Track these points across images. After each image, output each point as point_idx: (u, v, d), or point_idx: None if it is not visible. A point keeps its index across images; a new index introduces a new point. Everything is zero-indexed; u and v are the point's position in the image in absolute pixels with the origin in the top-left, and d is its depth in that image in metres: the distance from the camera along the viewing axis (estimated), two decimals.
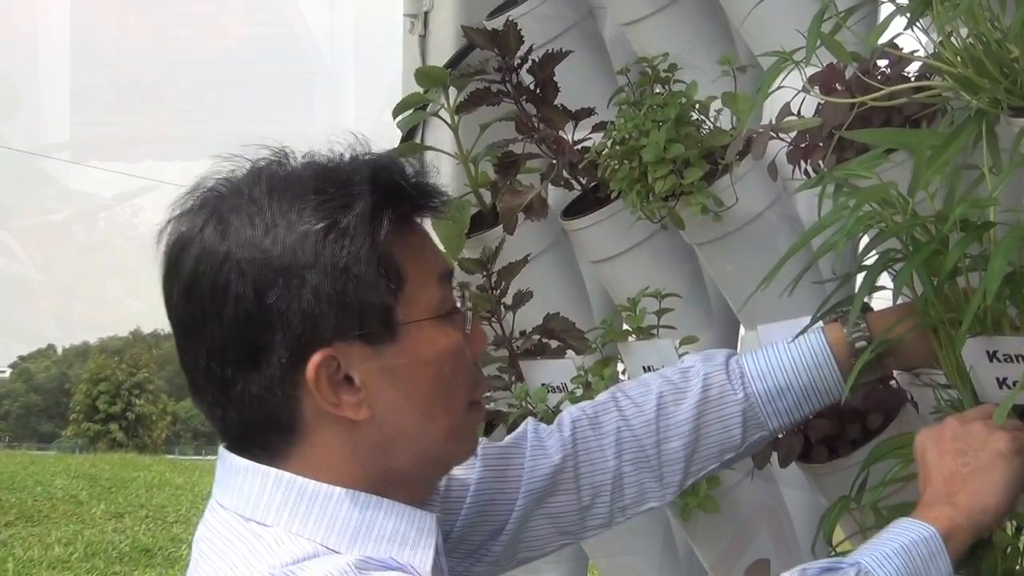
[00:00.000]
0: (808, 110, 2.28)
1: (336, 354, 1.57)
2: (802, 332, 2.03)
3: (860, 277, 1.99)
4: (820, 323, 2.05)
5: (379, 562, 1.53)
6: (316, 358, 1.56)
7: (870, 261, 1.94)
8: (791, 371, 2.00)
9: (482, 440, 1.86)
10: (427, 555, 1.61)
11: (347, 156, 1.65)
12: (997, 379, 1.86)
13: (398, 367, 1.61)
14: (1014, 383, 1.84)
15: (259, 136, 1.67)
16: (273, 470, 1.60)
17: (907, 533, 1.71)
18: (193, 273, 1.58)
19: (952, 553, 1.72)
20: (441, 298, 1.66)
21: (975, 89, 1.85)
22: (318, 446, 1.61)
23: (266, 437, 1.61)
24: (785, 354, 2.01)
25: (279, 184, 1.60)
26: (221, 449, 1.67)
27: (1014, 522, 1.90)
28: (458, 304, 1.70)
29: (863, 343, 1.98)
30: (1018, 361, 1.83)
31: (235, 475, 1.63)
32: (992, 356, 1.85)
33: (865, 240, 2.01)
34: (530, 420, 2.03)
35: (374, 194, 1.59)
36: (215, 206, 1.61)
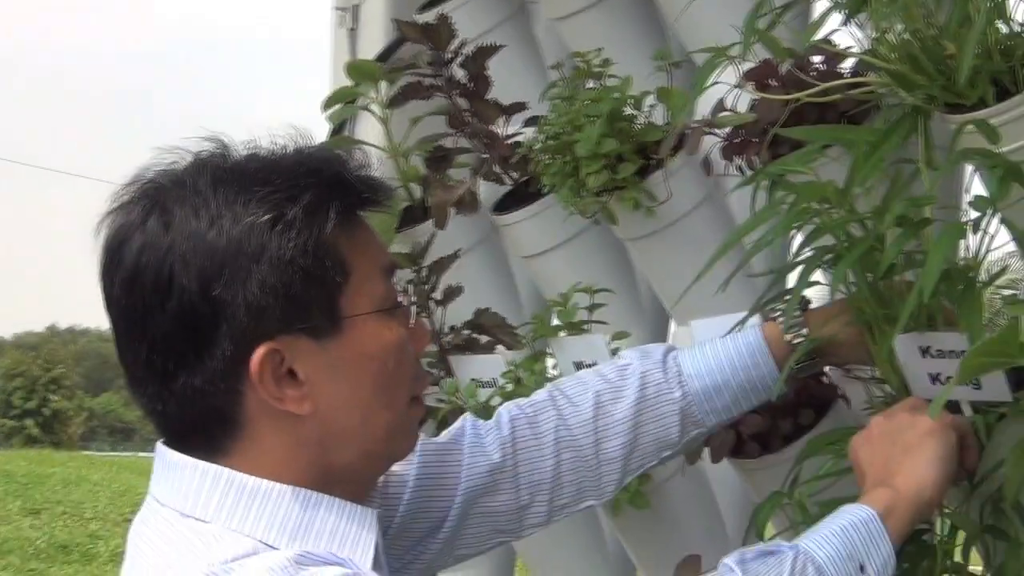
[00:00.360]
0: (743, 106, 2.29)
1: (280, 347, 1.55)
2: (735, 327, 2.04)
3: (794, 273, 1.99)
4: (757, 321, 2.06)
5: (319, 557, 1.51)
6: (260, 351, 1.54)
7: (804, 258, 1.95)
8: (729, 369, 2.00)
9: (420, 436, 1.85)
10: (368, 552, 1.59)
11: (290, 148, 1.63)
12: (930, 375, 1.88)
13: (342, 361, 1.59)
14: (947, 379, 1.85)
15: (201, 129, 1.65)
16: (212, 466, 1.58)
17: (846, 515, 1.72)
18: (135, 265, 1.55)
19: (893, 532, 1.72)
20: (385, 292, 1.65)
21: (910, 86, 1.86)
22: (259, 441, 1.59)
23: (207, 432, 1.59)
24: (723, 352, 2.01)
25: (224, 175, 1.58)
26: (159, 445, 1.64)
27: (948, 521, 1.91)
28: (400, 299, 1.70)
29: (801, 340, 1.99)
30: (951, 356, 1.84)
31: (173, 471, 1.60)
32: (925, 352, 1.86)
33: (800, 237, 2.02)
34: (468, 417, 2.01)
35: (320, 186, 1.58)
36: (157, 197, 1.58)
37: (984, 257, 1.82)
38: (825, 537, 1.68)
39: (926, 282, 1.71)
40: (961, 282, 1.81)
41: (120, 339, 1.61)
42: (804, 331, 2.00)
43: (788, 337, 2.00)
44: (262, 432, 1.58)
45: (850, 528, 1.69)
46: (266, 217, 1.54)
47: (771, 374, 2.00)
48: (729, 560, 1.65)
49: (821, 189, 1.90)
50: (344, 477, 1.63)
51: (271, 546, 1.54)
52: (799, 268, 1.96)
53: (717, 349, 2.02)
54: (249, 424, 1.58)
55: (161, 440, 1.64)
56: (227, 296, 1.52)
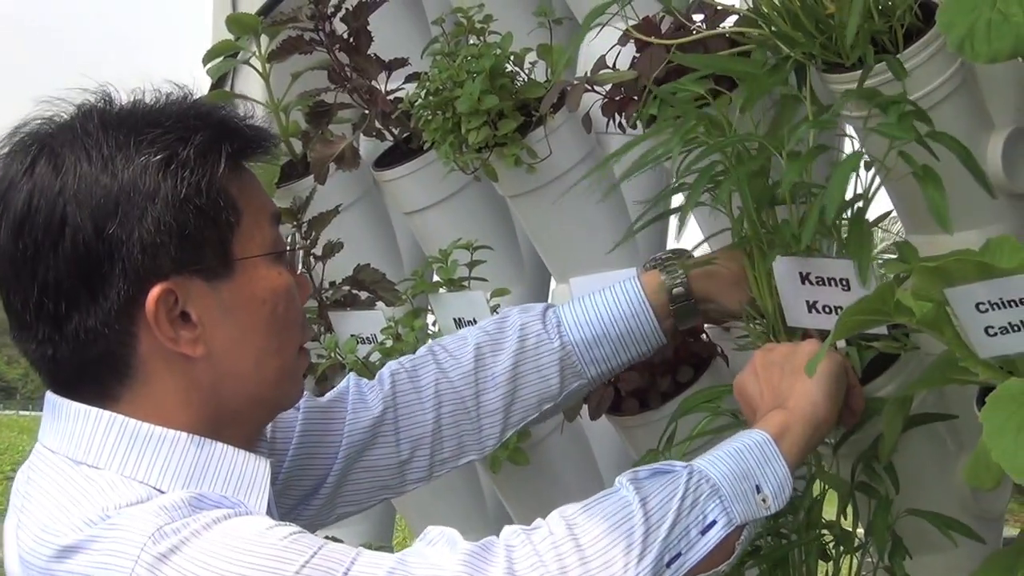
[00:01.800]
0: (623, 63, 2.29)
1: (175, 288, 1.55)
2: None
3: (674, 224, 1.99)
4: (634, 272, 2.06)
5: (213, 501, 1.51)
6: (155, 291, 1.54)
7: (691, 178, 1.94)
8: (607, 319, 2.01)
9: (304, 394, 1.84)
10: (262, 498, 1.60)
11: (174, 97, 1.64)
12: (807, 302, 1.88)
13: (234, 303, 1.60)
14: (824, 307, 1.86)
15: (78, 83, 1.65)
16: (105, 412, 1.57)
17: (739, 439, 1.71)
18: (26, 208, 1.54)
19: (788, 454, 1.71)
20: (274, 237, 1.67)
21: (791, 43, 1.87)
22: (151, 385, 1.59)
23: (99, 376, 1.58)
24: (602, 303, 2.02)
25: (112, 119, 1.59)
26: (48, 394, 1.63)
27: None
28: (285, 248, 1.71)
29: (680, 289, 2.01)
30: (829, 284, 1.85)
31: (64, 419, 1.59)
32: (804, 278, 1.86)
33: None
34: (351, 376, 2.03)
35: (210, 129, 1.59)
36: (44, 143, 1.58)
37: (875, 194, 1.83)
38: (719, 457, 1.67)
39: (831, 200, 1.71)
40: (853, 213, 1.82)
41: (6, 286, 1.59)
42: (684, 279, 2.01)
43: (668, 286, 2.01)
44: (154, 376, 1.58)
45: (744, 450, 1.68)
46: (159, 157, 1.55)
47: (650, 323, 2.01)
48: (622, 478, 1.64)
49: (708, 116, 1.90)
50: (234, 421, 1.64)
51: (165, 493, 1.53)
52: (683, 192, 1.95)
53: (596, 300, 2.03)
54: (142, 368, 1.58)
55: (50, 389, 1.63)
56: (122, 234, 1.52)
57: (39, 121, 1.62)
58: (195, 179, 1.55)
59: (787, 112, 1.90)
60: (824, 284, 1.85)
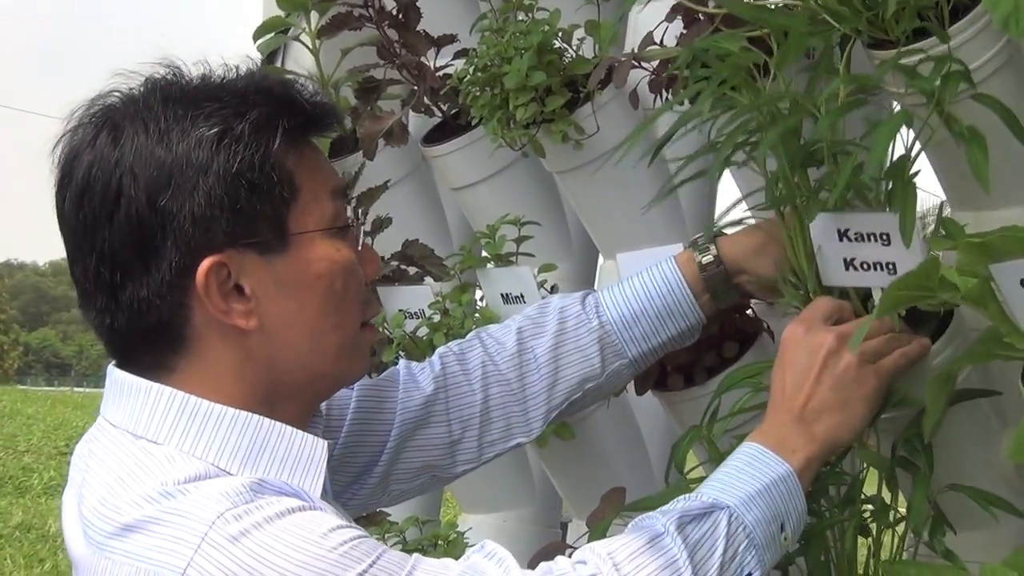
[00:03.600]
0: (670, 40, 2.29)
1: (227, 261, 1.57)
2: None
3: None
4: (680, 247, 2.08)
5: (274, 487, 1.52)
6: (206, 263, 1.56)
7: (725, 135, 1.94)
8: (644, 297, 2.04)
9: None
10: (318, 481, 1.61)
11: (243, 71, 1.66)
12: (844, 259, 1.88)
13: (289, 278, 1.62)
14: (862, 264, 1.86)
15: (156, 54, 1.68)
16: (165, 388, 1.59)
17: (765, 470, 1.73)
18: (86, 179, 1.58)
19: (806, 485, 1.75)
20: (334, 212, 1.67)
21: (838, 18, 1.87)
22: (206, 356, 1.61)
23: (155, 346, 1.61)
24: (638, 282, 2.05)
25: (175, 94, 1.61)
26: (110, 367, 1.65)
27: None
28: (351, 223, 1.72)
29: (709, 257, 2.03)
30: (869, 240, 1.84)
31: (125, 393, 1.62)
32: (843, 235, 1.86)
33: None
34: (402, 360, 2.06)
35: (270, 104, 1.61)
36: (109, 116, 1.61)
37: (917, 155, 1.83)
38: (751, 497, 1.69)
39: (874, 155, 1.72)
40: (894, 167, 1.82)
41: (72, 255, 1.63)
42: (715, 252, 2.03)
43: (699, 259, 2.03)
44: (209, 347, 1.60)
45: (772, 487, 1.71)
46: (213, 131, 1.57)
47: (686, 298, 2.03)
48: (668, 522, 1.66)
49: (739, 70, 1.90)
50: (291, 395, 1.66)
51: (224, 470, 1.55)
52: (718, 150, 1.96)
53: (633, 280, 2.06)
54: (196, 339, 1.60)
55: (112, 363, 1.65)
56: (173, 207, 1.55)
57: (112, 94, 1.64)
58: (248, 153, 1.57)
59: (821, 73, 1.89)
60: (863, 240, 1.85)
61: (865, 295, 1.92)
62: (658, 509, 1.71)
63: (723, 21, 2.11)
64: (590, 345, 2.04)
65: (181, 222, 1.55)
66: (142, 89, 1.63)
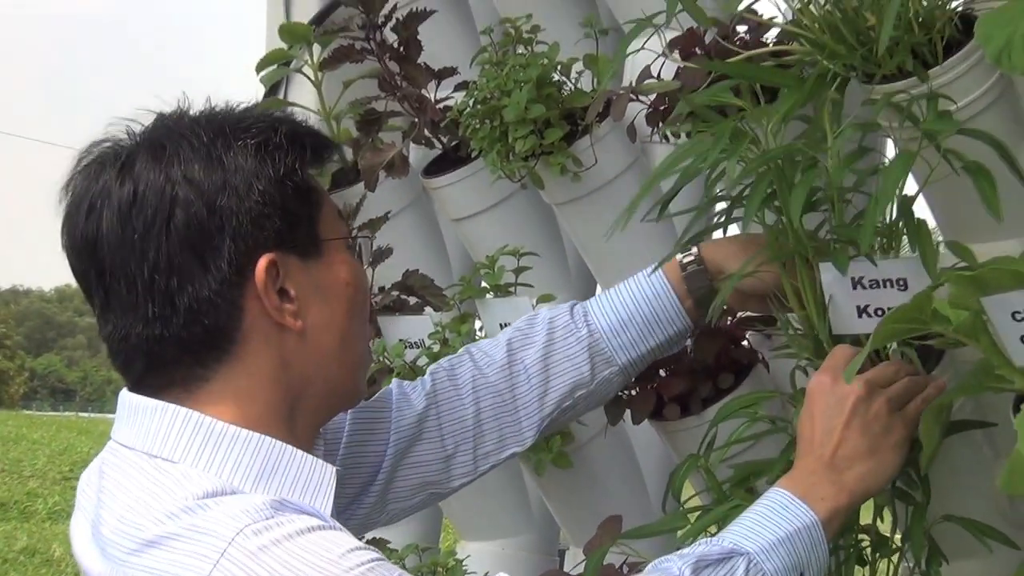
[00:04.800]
0: (668, 74, 2.32)
1: (277, 260, 1.62)
2: (657, 267, 2.08)
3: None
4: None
5: (295, 506, 1.54)
6: (264, 261, 1.60)
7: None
8: (631, 304, 2.08)
9: None
10: (328, 503, 1.63)
11: (244, 106, 1.71)
12: (858, 307, 1.88)
13: (323, 282, 1.67)
14: (876, 311, 1.86)
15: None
16: (181, 408, 1.61)
17: (791, 518, 1.74)
18: (130, 199, 1.59)
19: (831, 536, 1.76)
20: (344, 229, 1.75)
21: (832, 56, 1.89)
22: (247, 361, 1.63)
23: (198, 354, 1.62)
24: (625, 290, 2.10)
25: (199, 119, 1.66)
26: (123, 393, 1.67)
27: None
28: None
29: (690, 258, 2.07)
30: (884, 287, 1.85)
31: (140, 415, 1.63)
32: (857, 283, 1.87)
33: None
34: (394, 380, 2.08)
35: (288, 124, 1.68)
36: (140, 142, 1.64)
37: (916, 195, 1.85)
38: (773, 545, 1.70)
39: (883, 197, 1.74)
40: (899, 209, 1.84)
41: (111, 274, 1.62)
42: (697, 255, 2.07)
43: (682, 262, 2.07)
44: (251, 351, 1.63)
45: (795, 536, 1.72)
46: (255, 140, 1.62)
47: (672, 304, 2.07)
48: (684, 567, 1.67)
49: (739, 132, 1.93)
50: (309, 410, 1.69)
51: (239, 489, 1.57)
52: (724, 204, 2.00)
53: (620, 289, 2.10)
54: (242, 342, 1.62)
55: (126, 387, 1.67)
56: (232, 205, 1.59)
57: (123, 133, 1.67)
58: (289, 160, 1.64)
59: (821, 122, 1.91)
60: (878, 287, 1.86)
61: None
62: (677, 552, 1.72)
63: (718, 54, 2.14)
64: (579, 353, 2.07)
65: (240, 220, 1.59)
66: (161, 120, 1.67)
